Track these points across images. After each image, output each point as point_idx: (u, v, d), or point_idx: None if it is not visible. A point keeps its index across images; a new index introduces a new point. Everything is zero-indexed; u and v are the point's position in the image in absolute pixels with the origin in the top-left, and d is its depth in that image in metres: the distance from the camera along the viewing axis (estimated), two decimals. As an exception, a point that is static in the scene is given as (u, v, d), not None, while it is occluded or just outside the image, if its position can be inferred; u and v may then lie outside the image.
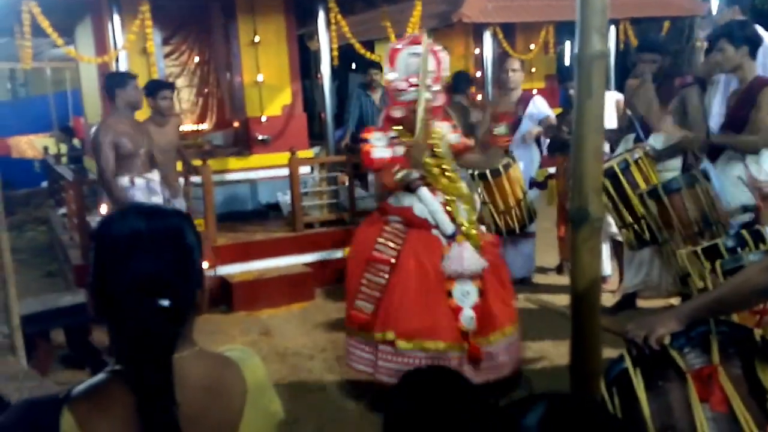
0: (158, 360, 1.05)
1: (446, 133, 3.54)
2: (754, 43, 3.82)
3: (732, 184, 3.66)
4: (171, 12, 6.27)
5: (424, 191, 3.33)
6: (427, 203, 3.33)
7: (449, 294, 3.25)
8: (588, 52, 1.53)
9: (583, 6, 1.52)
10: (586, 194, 1.57)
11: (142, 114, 4.79)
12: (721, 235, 3.34)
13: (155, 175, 4.56)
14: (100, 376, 1.09)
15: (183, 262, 1.11)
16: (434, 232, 3.33)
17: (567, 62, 11.93)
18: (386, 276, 3.28)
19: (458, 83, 5.65)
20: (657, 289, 4.43)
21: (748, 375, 1.59)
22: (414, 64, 3.24)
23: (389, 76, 3.35)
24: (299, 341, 4.57)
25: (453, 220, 3.32)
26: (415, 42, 3.29)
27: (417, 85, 3.24)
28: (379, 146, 3.34)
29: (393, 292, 3.26)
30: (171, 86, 4.96)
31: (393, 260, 3.29)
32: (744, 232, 2.91)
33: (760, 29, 4.73)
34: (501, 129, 3.40)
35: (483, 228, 3.72)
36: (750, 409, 1.53)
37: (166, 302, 1.06)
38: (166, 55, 6.60)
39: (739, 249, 2.72)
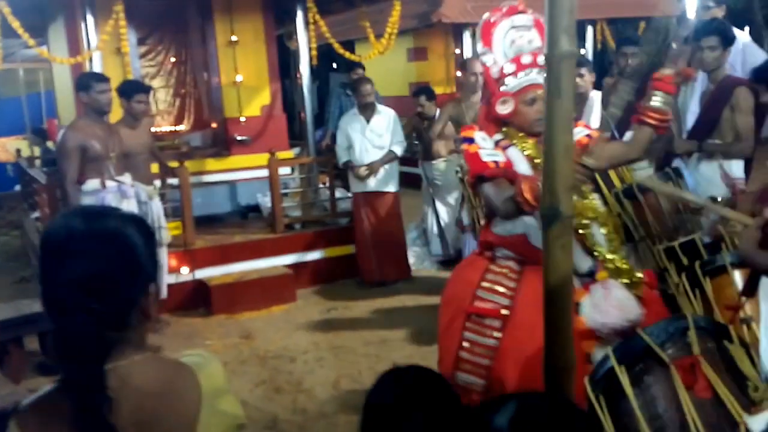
0: (91, 366, 1.02)
1: None
2: (732, 44, 3.89)
3: (706, 181, 3.70)
4: (147, 12, 6.19)
5: None
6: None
7: (587, 359, 2.22)
8: (557, 52, 1.55)
9: (551, 6, 1.53)
10: (556, 192, 1.60)
11: (116, 115, 4.72)
12: (697, 231, 3.38)
13: (127, 179, 4.49)
14: (49, 387, 1.07)
15: (123, 265, 1.08)
16: None
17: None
18: (497, 334, 2.39)
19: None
20: None
21: (727, 365, 1.66)
22: (522, 40, 2.44)
23: (486, 58, 2.50)
24: (280, 344, 4.54)
25: (589, 251, 2.39)
26: (515, 11, 2.46)
27: (530, 66, 2.42)
28: (487, 149, 2.49)
29: (506, 357, 2.35)
30: (147, 90, 4.89)
31: (505, 311, 2.40)
32: (720, 227, 2.95)
33: (735, 30, 4.82)
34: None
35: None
36: (733, 394, 1.59)
37: (100, 305, 1.04)
38: (142, 56, 6.51)
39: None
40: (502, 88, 2.47)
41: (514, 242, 2.47)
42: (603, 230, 2.40)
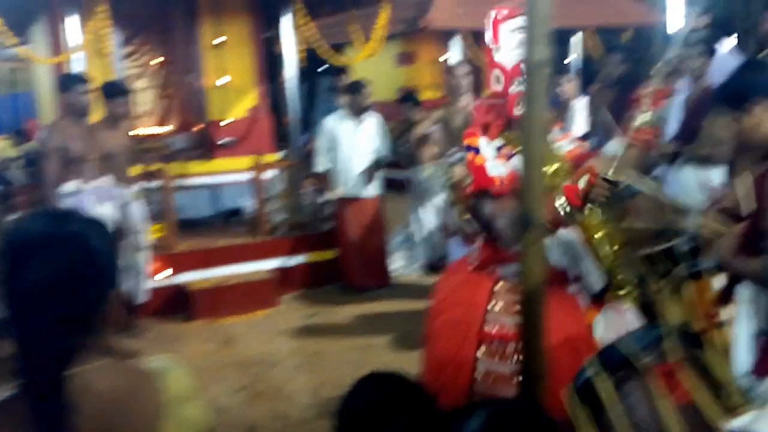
0: (51, 372, 1.01)
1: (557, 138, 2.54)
2: (715, 53, 3.94)
3: (686, 188, 3.72)
4: (132, 12, 6.14)
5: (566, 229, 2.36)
6: (572, 245, 2.37)
7: None
8: (534, 59, 1.57)
9: (529, 15, 1.57)
10: (531, 199, 1.62)
11: (96, 116, 4.66)
12: (677, 238, 3.38)
13: (106, 181, 4.43)
14: (8, 393, 1.05)
15: (82, 270, 1.07)
16: (571, 289, 2.38)
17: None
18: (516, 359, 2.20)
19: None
20: None
21: (704, 371, 1.67)
22: (516, 43, 2.34)
23: (500, 56, 2.37)
24: (262, 349, 4.49)
25: (603, 269, 2.36)
26: (514, 15, 2.37)
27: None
28: (490, 159, 2.35)
29: None
30: (128, 92, 4.83)
31: None
32: (702, 232, 2.95)
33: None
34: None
35: None
36: (710, 400, 1.60)
37: (58, 310, 1.03)
38: (127, 56, 6.45)
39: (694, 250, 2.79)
40: (513, 90, 2.34)
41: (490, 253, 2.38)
42: (608, 247, 2.34)
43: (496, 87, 2.39)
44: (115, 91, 4.68)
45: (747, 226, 2.06)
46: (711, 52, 3.89)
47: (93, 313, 1.09)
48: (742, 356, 1.66)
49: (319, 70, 9.53)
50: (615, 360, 1.71)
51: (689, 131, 3.82)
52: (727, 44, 4.97)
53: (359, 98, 5.51)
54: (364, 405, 1.48)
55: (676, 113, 3.96)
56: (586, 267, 2.36)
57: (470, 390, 2.22)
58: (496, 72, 2.38)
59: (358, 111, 5.53)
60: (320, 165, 5.59)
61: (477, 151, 2.38)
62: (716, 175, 3.77)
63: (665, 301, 2.31)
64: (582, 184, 2.23)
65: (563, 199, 2.21)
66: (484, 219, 2.37)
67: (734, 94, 2.09)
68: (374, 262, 5.65)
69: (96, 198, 4.35)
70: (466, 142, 2.45)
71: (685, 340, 1.73)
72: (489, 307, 2.25)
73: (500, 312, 2.24)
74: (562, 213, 2.22)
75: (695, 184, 3.71)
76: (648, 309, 2.41)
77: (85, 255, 1.08)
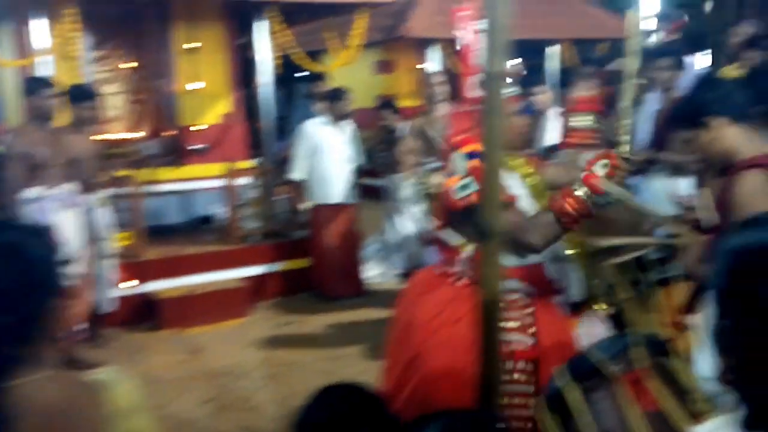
0: None
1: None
2: (684, 66, 4.01)
3: (657, 197, 3.74)
4: (104, 16, 6.04)
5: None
6: (560, 256, 2.38)
7: None
8: (493, 71, 1.58)
9: (488, 26, 1.57)
10: (493, 209, 1.61)
11: (62, 120, 4.54)
12: (646, 247, 3.39)
13: (71, 187, 4.31)
14: None
15: (20, 279, 1.05)
16: (556, 299, 2.37)
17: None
18: (534, 378, 2.15)
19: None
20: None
21: (668, 379, 1.70)
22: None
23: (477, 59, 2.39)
24: (230, 360, 4.39)
25: (587, 280, 2.41)
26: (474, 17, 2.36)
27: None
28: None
29: None
30: (95, 96, 4.73)
31: (533, 352, 2.17)
32: (673, 241, 2.96)
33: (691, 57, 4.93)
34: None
35: None
36: (677, 407, 1.62)
37: None
38: (97, 60, 6.34)
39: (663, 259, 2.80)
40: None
41: (530, 273, 2.29)
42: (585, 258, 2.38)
43: (473, 93, 2.33)
44: (81, 95, 4.57)
45: (711, 238, 2.07)
46: (680, 64, 3.95)
47: (32, 323, 1.06)
48: (707, 363, 1.65)
49: (297, 76, 9.50)
50: (583, 369, 1.73)
51: (661, 142, 3.86)
52: (699, 58, 5.03)
53: (340, 105, 5.49)
54: (322, 418, 1.45)
55: (645, 124, 4.00)
56: (569, 278, 2.36)
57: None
58: (474, 78, 2.34)
59: (338, 118, 5.50)
60: (298, 172, 5.53)
61: (473, 155, 2.27)
62: (684, 186, 3.81)
63: (633, 310, 2.31)
64: (600, 170, 2.17)
65: (584, 188, 2.15)
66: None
67: (691, 110, 2.12)
68: (349, 271, 5.60)
69: (60, 204, 4.23)
70: (466, 148, 2.32)
71: (652, 348, 1.74)
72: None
73: (511, 330, 2.13)
74: (588, 203, 2.16)
75: (665, 194, 3.73)
76: (618, 318, 2.40)
77: (22, 265, 1.06)
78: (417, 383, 2.26)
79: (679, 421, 1.57)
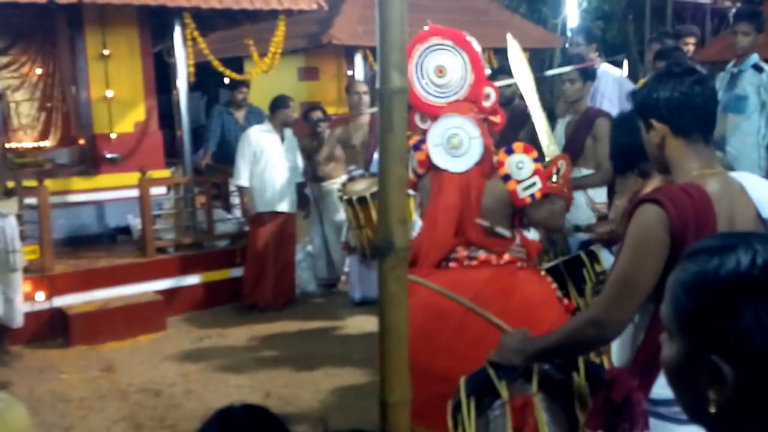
0: None
1: None
2: (593, 78, 4.18)
3: (574, 207, 3.89)
4: (11, 20, 5.76)
5: None
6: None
7: None
8: (388, 87, 1.57)
9: (382, 43, 1.56)
10: (390, 225, 1.61)
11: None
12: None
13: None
14: None
15: None
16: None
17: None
18: None
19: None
20: None
21: (565, 408, 1.69)
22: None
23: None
24: (145, 376, 4.27)
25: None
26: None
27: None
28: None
29: None
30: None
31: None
32: (581, 252, 3.10)
33: (608, 66, 5.14)
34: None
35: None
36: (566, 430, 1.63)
37: None
38: (4, 66, 6.05)
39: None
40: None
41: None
42: None
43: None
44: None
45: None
46: (586, 76, 4.07)
47: None
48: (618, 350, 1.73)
49: (224, 83, 9.34)
50: (485, 383, 1.72)
51: (572, 153, 3.99)
52: (616, 70, 5.26)
53: (284, 113, 5.45)
54: None
55: (559, 138, 4.14)
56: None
57: None
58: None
59: (281, 125, 5.47)
60: (243, 179, 5.43)
61: (537, 159, 2.71)
62: (600, 195, 4.00)
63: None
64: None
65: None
66: (534, 219, 2.83)
67: (641, 106, 2.02)
68: (285, 280, 5.57)
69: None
70: (532, 154, 2.72)
71: (554, 376, 1.73)
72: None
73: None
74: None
75: (581, 204, 3.88)
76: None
77: None
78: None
79: None
